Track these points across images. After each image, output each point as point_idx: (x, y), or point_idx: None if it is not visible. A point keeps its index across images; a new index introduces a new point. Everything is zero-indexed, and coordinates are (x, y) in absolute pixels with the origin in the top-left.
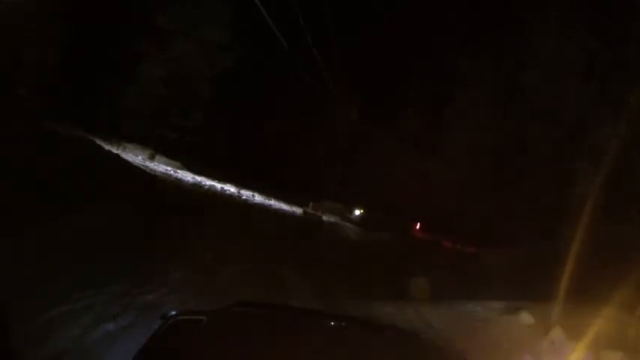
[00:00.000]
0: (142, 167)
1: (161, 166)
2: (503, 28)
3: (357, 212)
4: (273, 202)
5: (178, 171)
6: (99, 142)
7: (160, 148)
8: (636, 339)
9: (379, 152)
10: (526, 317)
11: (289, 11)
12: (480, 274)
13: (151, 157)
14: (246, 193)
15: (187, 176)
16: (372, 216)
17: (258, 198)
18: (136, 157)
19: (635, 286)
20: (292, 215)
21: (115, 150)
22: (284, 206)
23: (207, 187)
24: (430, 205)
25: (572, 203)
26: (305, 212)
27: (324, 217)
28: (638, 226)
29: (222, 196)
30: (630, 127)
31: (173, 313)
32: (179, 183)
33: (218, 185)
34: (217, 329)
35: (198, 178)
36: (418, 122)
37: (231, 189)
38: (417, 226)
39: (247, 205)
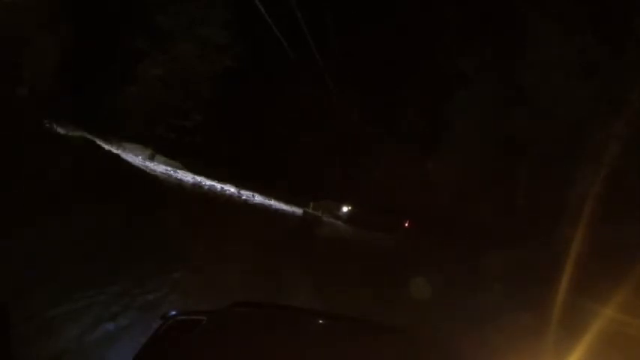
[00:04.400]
0: (142, 167)
1: (161, 166)
2: (504, 28)
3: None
4: (273, 202)
5: (178, 171)
6: (99, 142)
7: (160, 148)
8: (636, 339)
9: (379, 152)
10: (526, 317)
11: (289, 11)
12: (480, 274)
13: (151, 157)
14: (246, 193)
15: (187, 176)
16: (372, 216)
17: (258, 198)
18: (136, 157)
19: (636, 286)
20: (292, 215)
21: (115, 150)
22: (284, 206)
23: (207, 187)
24: (430, 205)
25: (572, 203)
26: (305, 212)
27: (324, 218)
28: (639, 226)
29: (223, 196)
30: (630, 127)
31: (173, 313)
32: (179, 183)
33: (218, 185)
34: (217, 329)
35: (198, 178)
36: (418, 122)
37: (231, 189)
38: (407, 223)
39: (247, 205)
